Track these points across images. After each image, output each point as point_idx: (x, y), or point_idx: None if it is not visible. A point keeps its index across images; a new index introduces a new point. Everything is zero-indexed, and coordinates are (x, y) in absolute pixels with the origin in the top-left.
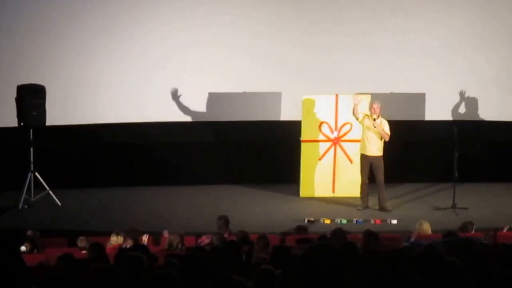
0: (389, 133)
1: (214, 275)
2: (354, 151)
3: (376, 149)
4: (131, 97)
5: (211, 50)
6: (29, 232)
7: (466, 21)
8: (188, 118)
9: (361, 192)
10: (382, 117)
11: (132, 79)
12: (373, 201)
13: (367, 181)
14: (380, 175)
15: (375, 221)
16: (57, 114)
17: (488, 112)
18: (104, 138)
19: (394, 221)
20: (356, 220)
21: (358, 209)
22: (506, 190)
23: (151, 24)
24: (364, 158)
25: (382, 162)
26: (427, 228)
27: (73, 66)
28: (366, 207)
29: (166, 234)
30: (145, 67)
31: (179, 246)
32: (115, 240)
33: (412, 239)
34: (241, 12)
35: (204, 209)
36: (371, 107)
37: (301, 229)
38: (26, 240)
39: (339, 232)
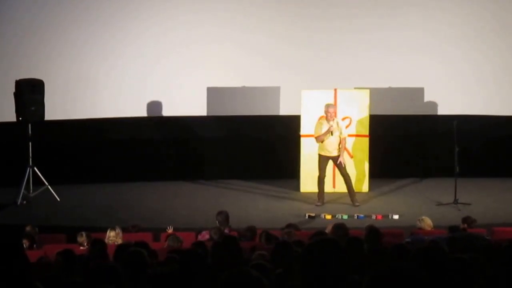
0: (345, 134)
1: (213, 270)
2: (354, 146)
3: (338, 150)
4: (130, 92)
5: (210, 45)
6: (28, 228)
7: (464, 16)
8: (187, 113)
9: (321, 188)
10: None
11: (131, 74)
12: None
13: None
14: (344, 169)
15: (376, 217)
16: (56, 109)
17: (488, 106)
18: (103, 133)
19: (396, 216)
20: (357, 216)
21: (317, 205)
22: (508, 186)
23: (151, 19)
24: (325, 158)
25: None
26: (428, 223)
27: (72, 61)
28: (323, 203)
29: (170, 230)
30: (144, 62)
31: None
32: (114, 235)
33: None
34: (239, 7)
35: (204, 204)
36: (327, 112)
37: (291, 227)
38: (24, 236)
39: (341, 228)
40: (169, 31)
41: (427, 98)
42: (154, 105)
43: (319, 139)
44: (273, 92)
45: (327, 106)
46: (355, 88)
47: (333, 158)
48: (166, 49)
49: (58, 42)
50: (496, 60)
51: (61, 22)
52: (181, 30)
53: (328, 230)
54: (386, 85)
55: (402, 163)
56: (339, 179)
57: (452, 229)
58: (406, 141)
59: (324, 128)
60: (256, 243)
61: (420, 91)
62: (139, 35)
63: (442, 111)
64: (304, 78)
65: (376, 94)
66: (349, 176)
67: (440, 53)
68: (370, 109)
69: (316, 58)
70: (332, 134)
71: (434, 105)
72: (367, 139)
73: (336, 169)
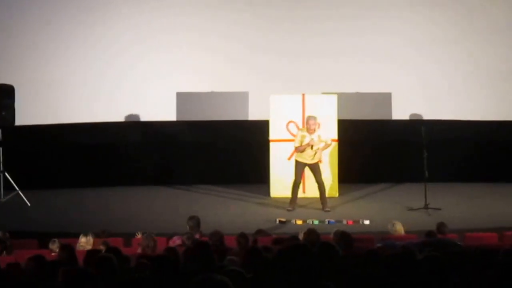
0: (330, 142)
1: (185, 276)
2: (323, 151)
3: (313, 158)
4: (102, 97)
5: (179, 51)
6: None
7: (431, 20)
8: (158, 118)
9: (295, 193)
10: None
11: (102, 80)
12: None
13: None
14: (320, 176)
15: (347, 222)
16: (26, 114)
17: (456, 111)
18: (74, 138)
19: (367, 222)
20: (328, 221)
21: (289, 210)
22: (478, 191)
23: (122, 25)
24: (302, 165)
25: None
26: (400, 228)
27: (43, 66)
28: (294, 208)
29: (139, 235)
30: (115, 68)
31: (154, 249)
32: (85, 241)
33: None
34: (208, 13)
35: (175, 209)
36: (307, 124)
37: (261, 233)
38: None
39: (313, 233)
40: (139, 37)
41: (394, 103)
42: (126, 110)
43: (299, 149)
44: (242, 97)
45: (308, 118)
46: (322, 93)
47: (309, 165)
48: (137, 54)
49: (29, 47)
50: (464, 65)
51: (32, 27)
52: (151, 36)
53: (300, 236)
54: (353, 90)
55: (371, 168)
56: (309, 184)
57: (429, 234)
58: (374, 146)
59: (306, 140)
60: (226, 248)
61: (387, 96)
62: (110, 41)
63: (410, 116)
64: (272, 83)
65: (343, 99)
66: (323, 185)
67: (407, 58)
68: (338, 114)
69: (284, 63)
70: (312, 148)
71: (402, 110)
72: (335, 144)
73: (307, 175)
